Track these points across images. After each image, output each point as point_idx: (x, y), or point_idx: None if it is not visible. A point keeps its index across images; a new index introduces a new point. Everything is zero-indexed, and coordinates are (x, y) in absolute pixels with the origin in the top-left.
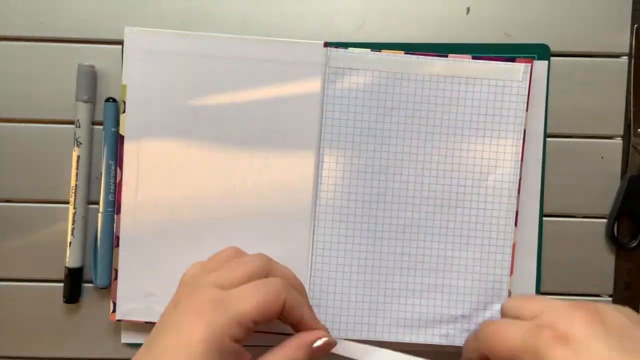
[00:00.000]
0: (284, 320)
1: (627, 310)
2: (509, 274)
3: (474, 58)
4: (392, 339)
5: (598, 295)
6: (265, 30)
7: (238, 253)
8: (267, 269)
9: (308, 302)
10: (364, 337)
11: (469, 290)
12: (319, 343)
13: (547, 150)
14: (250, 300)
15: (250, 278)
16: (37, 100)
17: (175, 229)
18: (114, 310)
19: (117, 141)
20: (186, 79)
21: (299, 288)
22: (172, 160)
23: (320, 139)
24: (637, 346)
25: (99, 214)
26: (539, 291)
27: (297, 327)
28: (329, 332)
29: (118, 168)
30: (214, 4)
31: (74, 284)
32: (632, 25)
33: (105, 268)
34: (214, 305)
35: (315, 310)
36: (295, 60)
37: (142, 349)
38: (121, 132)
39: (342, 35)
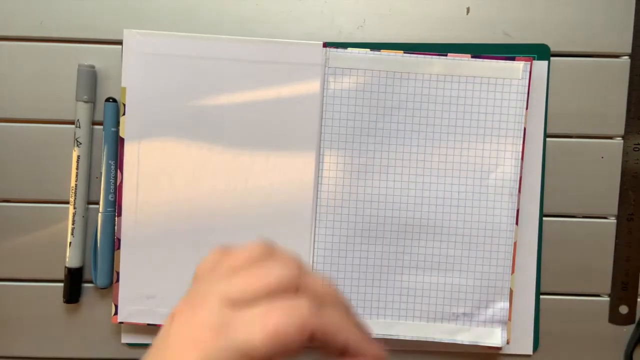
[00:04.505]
0: (321, 350)
1: None
2: (511, 272)
3: (473, 57)
4: (395, 336)
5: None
6: (264, 31)
7: (266, 253)
8: (295, 283)
9: (356, 317)
10: None
11: (471, 288)
12: None
13: (547, 150)
14: (262, 328)
15: (271, 293)
16: (37, 100)
17: (176, 231)
18: (116, 313)
19: (117, 141)
20: (186, 80)
21: (340, 305)
22: (173, 161)
23: (320, 139)
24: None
25: (99, 214)
26: (538, 290)
27: (342, 355)
28: (381, 351)
29: (118, 170)
30: (213, 5)
31: (74, 284)
32: (635, 25)
33: (106, 268)
34: (215, 331)
35: None
36: (295, 61)
37: None
38: (121, 134)
39: (342, 35)
